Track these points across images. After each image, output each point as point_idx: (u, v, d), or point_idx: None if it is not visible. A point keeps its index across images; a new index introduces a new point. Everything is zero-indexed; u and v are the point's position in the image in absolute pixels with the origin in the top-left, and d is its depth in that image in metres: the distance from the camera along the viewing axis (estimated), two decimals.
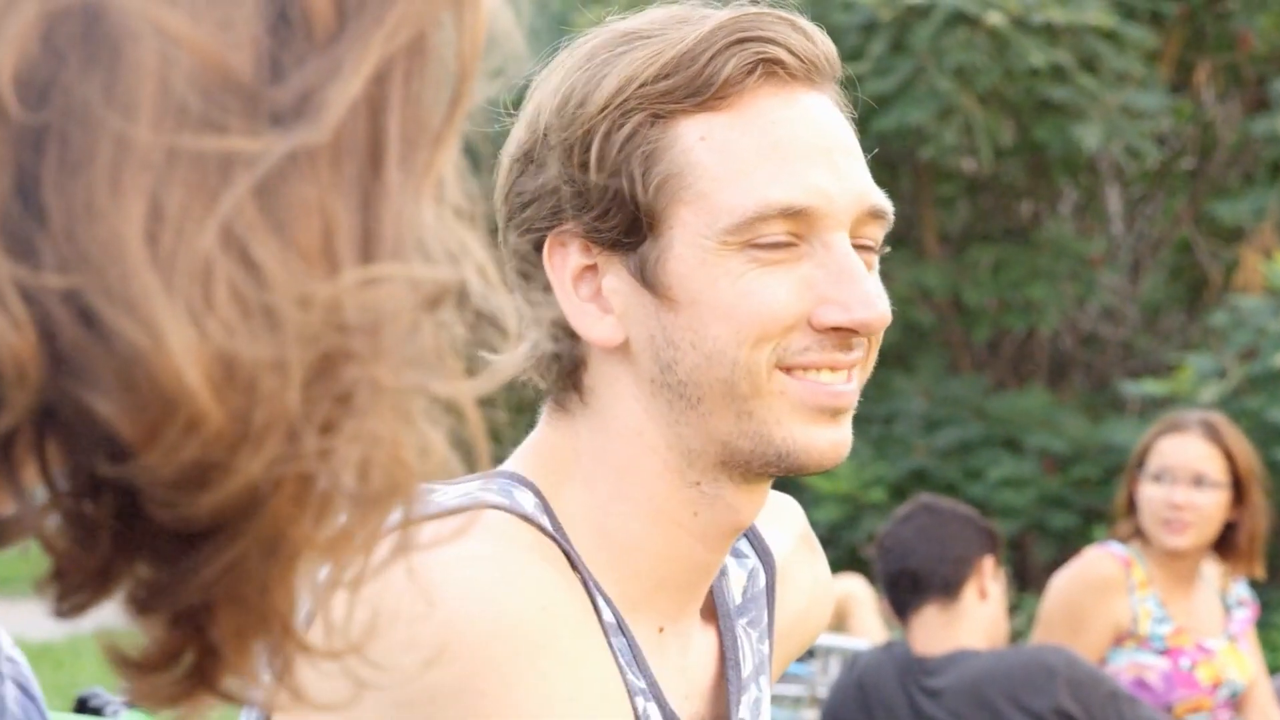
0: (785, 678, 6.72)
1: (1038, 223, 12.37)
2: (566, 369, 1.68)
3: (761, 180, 1.63)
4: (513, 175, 1.69)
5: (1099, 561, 5.14)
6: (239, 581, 0.78)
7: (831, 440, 1.66)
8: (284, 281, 0.75)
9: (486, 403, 0.82)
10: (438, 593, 1.50)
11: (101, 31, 0.74)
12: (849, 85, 1.74)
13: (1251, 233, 11.56)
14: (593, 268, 1.66)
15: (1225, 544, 5.12)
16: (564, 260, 1.67)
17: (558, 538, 1.64)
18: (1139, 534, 5.11)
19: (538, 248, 1.67)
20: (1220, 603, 5.22)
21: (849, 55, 10.00)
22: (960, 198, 12.40)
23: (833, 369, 1.65)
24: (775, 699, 6.65)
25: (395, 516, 0.81)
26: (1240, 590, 5.27)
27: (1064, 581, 5.16)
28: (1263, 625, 8.36)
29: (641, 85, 1.64)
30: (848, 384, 1.66)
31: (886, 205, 1.69)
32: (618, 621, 1.65)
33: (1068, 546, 9.52)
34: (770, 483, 1.70)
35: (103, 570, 0.78)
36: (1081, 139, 10.79)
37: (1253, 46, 11.76)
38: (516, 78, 0.86)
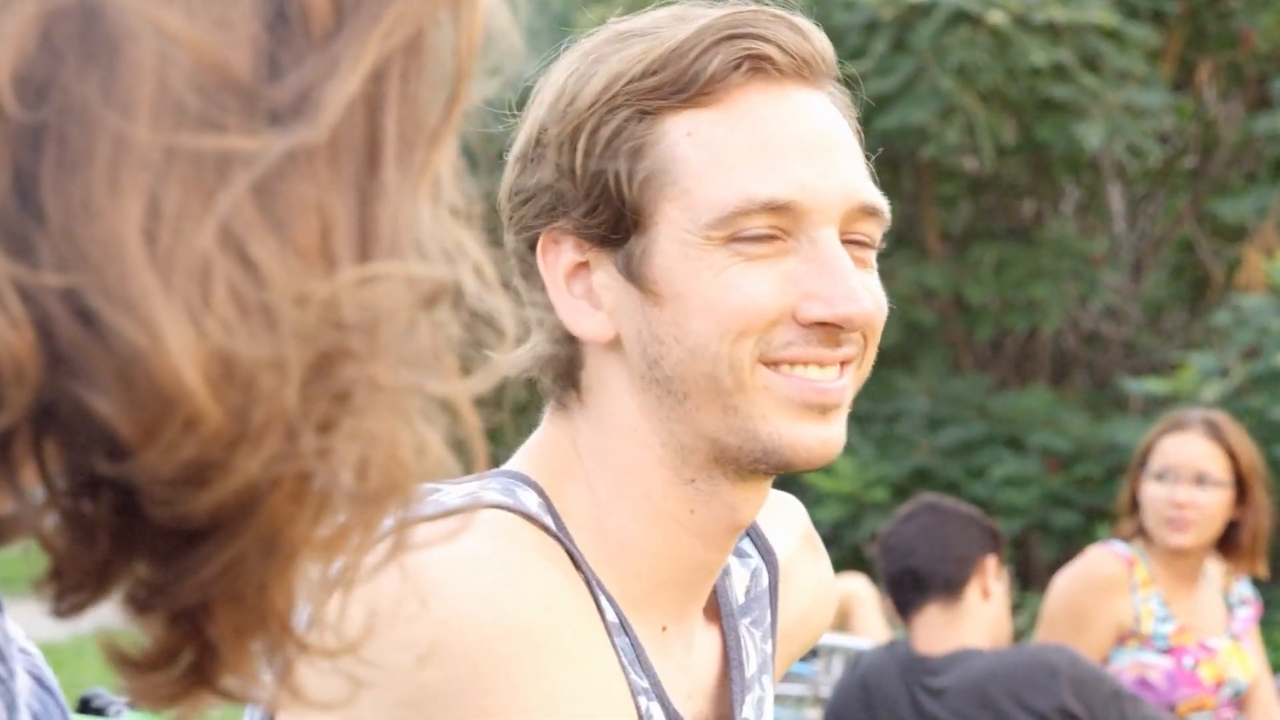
0: (788, 677, 6.72)
1: (1040, 222, 12.37)
2: (565, 367, 1.69)
3: (745, 175, 1.63)
4: (513, 174, 1.70)
5: (1102, 560, 5.14)
6: (237, 580, 0.78)
7: (819, 437, 1.65)
8: (282, 280, 0.75)
9: (484, 402, 0.82)
10: (439, 592, 1.51)
11: (100, 30, 0.74)
12: (850, 84, 1.75)
13: (1253, 231, 11.56)
14: (585, 264, 1.67)
15: (1228, 543, 5.12)
16: (557, 257, 1.67)
17: (561, 537, 1.64)
18: (1142, 533, 5.11)
19: (533, 246, 1.68)
20: (1223, 601, 5.21)
21: (851, 54, 10.00)
22: (962, 197, 12.39)
23: (820, 365, 1.65)
24: (778, 698, 6.65)
25: (395, 516, 0.81)
26: (1243, 589, 5.27)
27: (1067, 580, 5.16)
28: (1266, 624, 8.35)
29: (629, 82, 1.64)
30: (837, 381, 1.66)
31: (880, 202, 1.68)
32: (620, 621, 1.65)
33: (1070, 545, 9.52)
34: (769, 481, 1.70)
35: (101, 569, 0.78)
36: (1083, 138, 10.79)
37: (1255, 45, 11.76)
38: (516, 77, 0.86)
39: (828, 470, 10.75)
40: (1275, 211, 11.31)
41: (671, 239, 1.63)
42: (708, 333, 1.62)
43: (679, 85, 1.64)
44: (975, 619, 4.61)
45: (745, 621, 1.81)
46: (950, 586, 4.58)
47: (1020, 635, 8.03)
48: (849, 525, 10.75)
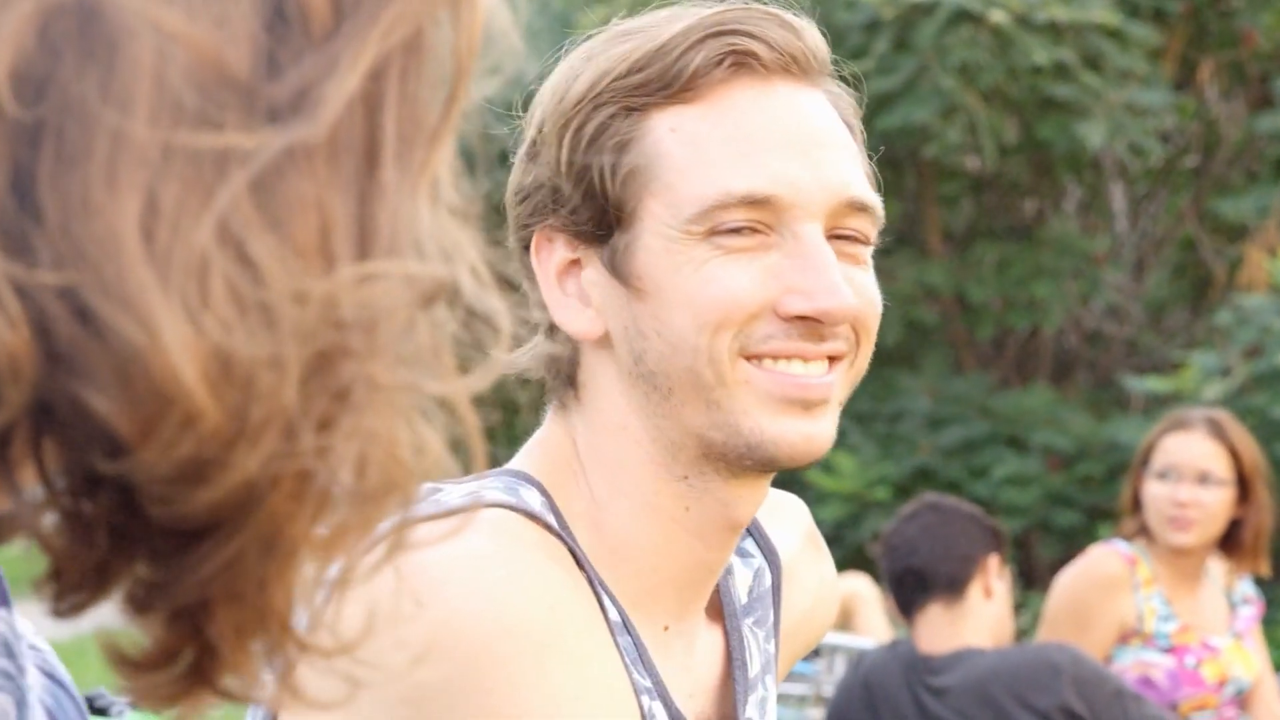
0: (791, 676, 6.72)
1: (1042, 221, 12.37)
2: (563, 366, 1.69)
3: (725, 169, 1.63)
4: (515, 174, 1.70)
5: (1104, 559, 5.14)
6: (237, 579, 0.78)
7: (803, 433, 1.64)
8: (280, 278, 0.75)
9: (483, 402, 0.82)
10: (441, 591, 1.51)
11: (98, 28, 0.74)
12: (851, 83, 1.74)
13: (1255, 230, 11.56)
14: (577, 262, 1.67)
15: (1230, 541, 5.11)
16: (550, 255, 1.68)
17: (563, 535, 1.64)
18: (1144, 532, 5.11)
19: (529, 244, 1.69)
20: (1226, 600, 5.21)
21: (852, 54, 10.00)
22: (964, 196, 12.39)
23: (804, 359, 1.64)
24: (780, 698, 6.65)
25: (396, 516, 0.81)
26: (1245, 588, 5.27)
27: (1069, 579, 5.15)
28: (1268, 622, 8.35)
29: (615, 79, 1.65)
30: (823, 376, 1.65)
31: (870, 198, 1.68)
32: (623, 620, 1.65)
33: (1073, 544, 9.51)
34: (765, 479, 1.69)
35: (101, 569, 0.78)
36: (1085, 137, 10.79)
37: (1256, 44, 11.76)
38: (517, 78, 0.86)
39: (829, 469, 10.76)
40: (1277, 210, 11.31)
41: (654, 234, 1.63)
42: (687, 326, 1.62)
43: (664, 82, 1.65)
44: (978, 618, 4.61)
45: (748, 621, 1.81)
46: (953, 586, 4.58)
47: (1022, 634, 8.03)
48: (851, 524, 10.75)
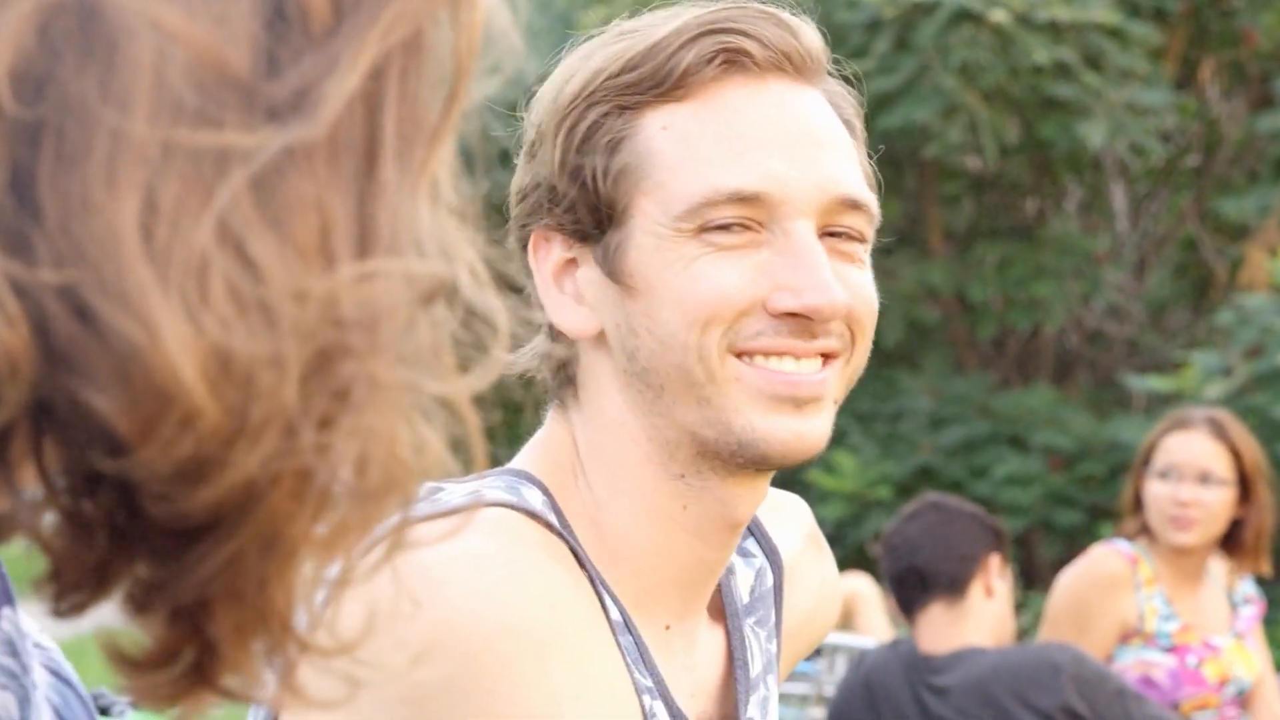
0: (792, 675, 6.71)
1: (1043, 220, 12.37)
2: (562, 365, 1.70)
3: (716, 167, 1.63)
4: (517, 174, 1.71)
5: (1105, 559, 5.14)
6: (237, 578, 0.78)
7: (794, 431, 1.64)
8: (280, 277, 0.75)
9: (483, 401, 0.82)
10: (442, 590, 1.51)
11: (98, 27, 0.74)
12: (851, 83, 1.74)
13: (1256, 230, 11.57)
14: (573, 261, 1.68)
15: (1232, 541, 5.11)
16: (548, 254, 1.68)
17: (565, 535, 1.64)
18: (1145, 531, 5.11)
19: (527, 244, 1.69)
20: (1227, 600, 5.21)
21: (853, 53, 9.99)
22: (965, 195, 12.40)
23: (796, 357, 1.64)
24: (782, 697, 6.64)
25: (397, 515, 0.81)
26: (1247, 587, 5.27)
27: (1070, 579, 5.15)
28: (1270, 622, 8.35)
29: (608, 78, 1.65)
30: (817, 374, 1.65)
31: (863, 195, 1.68)
32: (624, 619, 1.65)
33: (1074, 544, 9.52)
34: (763, 478, 1.69)
35: (101, 569, 0.78)
36: (1086, 136, 10.80)
37: (1257, 43, 11.76)
38: (519, 77, 0.86)
39: (830, 469, 10.76)
40: (1278, 210, 11.31)
41: (645, 231, 1.64)
42: (676, 323, 1.62)
43: (656, 80, 1.65)
44: (979, 618, 4.61)
45: (750, 621, 1.81)
46: (954, 585, 4.58)
47: (1024, 634, 8.02)
48: (852, 524, 10.76)
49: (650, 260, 1.63)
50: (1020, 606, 8.72)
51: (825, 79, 1.71)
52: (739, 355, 1.63)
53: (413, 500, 0.81)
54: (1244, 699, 5.14)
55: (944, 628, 4.60)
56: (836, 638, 6.62)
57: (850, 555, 10.17)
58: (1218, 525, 5.06)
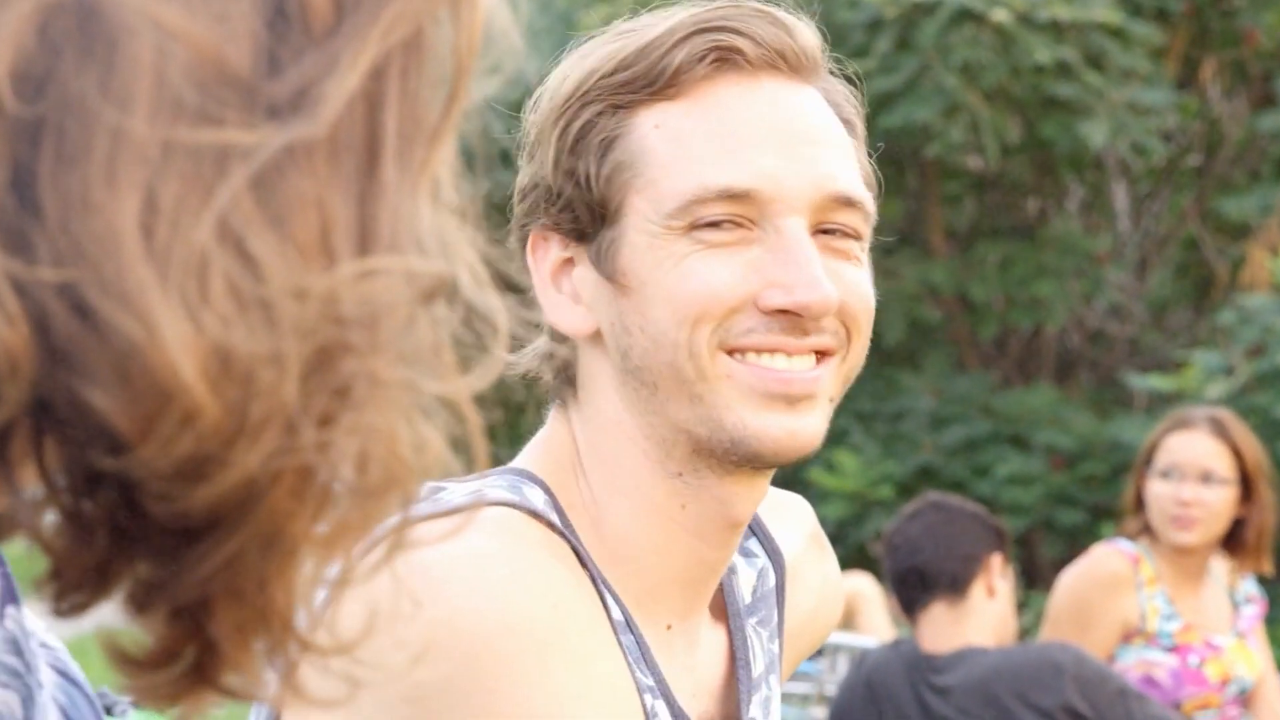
0: (794, 675, 6.71)
1: (1044, 220, 12.37)
2: (562, 364, 1.70)
3: (705, 164, 1.63)
4: (520, 174, 1.71)
5: (1107, 558, 5.14)
6: (237, 577, 0.78)
7: (786, 428, 1.64)
8: (281, 275, 0.75)
9: (484, 400, 0.82)
10: (444, 589, 1.51)
11: (98, 25, 0.74)
12: (852, 82, 1.74)
13: (1258, 229, 11.57)
14: (570, 260, 1.68)
15: (1233, 540, 5.11)
16: (546, 254, 1.69)
17: (566, 534, 1.64)
18: (1147, 531, 5.11)
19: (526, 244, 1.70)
20: (1229, 599, 5.21)
21: (854, 53, 10.00)
22: (967, 195, 12.40)
23: (788, 354, 1.64)
24: (783, 696, 6.65)
25: (398, 515, 0.81)
26: (1249, 587, 5.27)
27: (1072, 579, 5.15)
28: (1271, 621, 8.35)
29: (602, 77, 1.66)
30: (810, 371, 1.65)
31: (857, 192, 1.67)
32: (626, 619, 1.65)
33: (1075, 543, 9.52)
34: (761, 477, 1.68)
35: (101, 568, 0.78)
36: (1088, 136, 10.80)
37: (1259, 43, 11.76)
38: (520, 77, 0.86)
39: (832, 468, 10.76)
40: (1279, 209, 11.31)
41: (638, 230, 1.64)
42: (667, 320, 1.63)
43: (649, 79, 1.65)
44: (980, 617, 4.61)
45: (752, 621, 1.80)
46: (955, 585, 4.58)
47: (1025, 633, 8.02)
48: (854, 523, 10.75)
49: (642, 258, 1.63)
50: (1022, 606, 8.72)
51: (823, 77, 1.71)
52: (730, 353, 1.63)
53: (414, 499, 0.81)
54: (1246, 698, 5.14)
55: (946, 627, 4.60)
56: (838, 637, 6.62)
57: (852, 555, 10.17)
58: (1219, 525, 5.06)
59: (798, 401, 1.64)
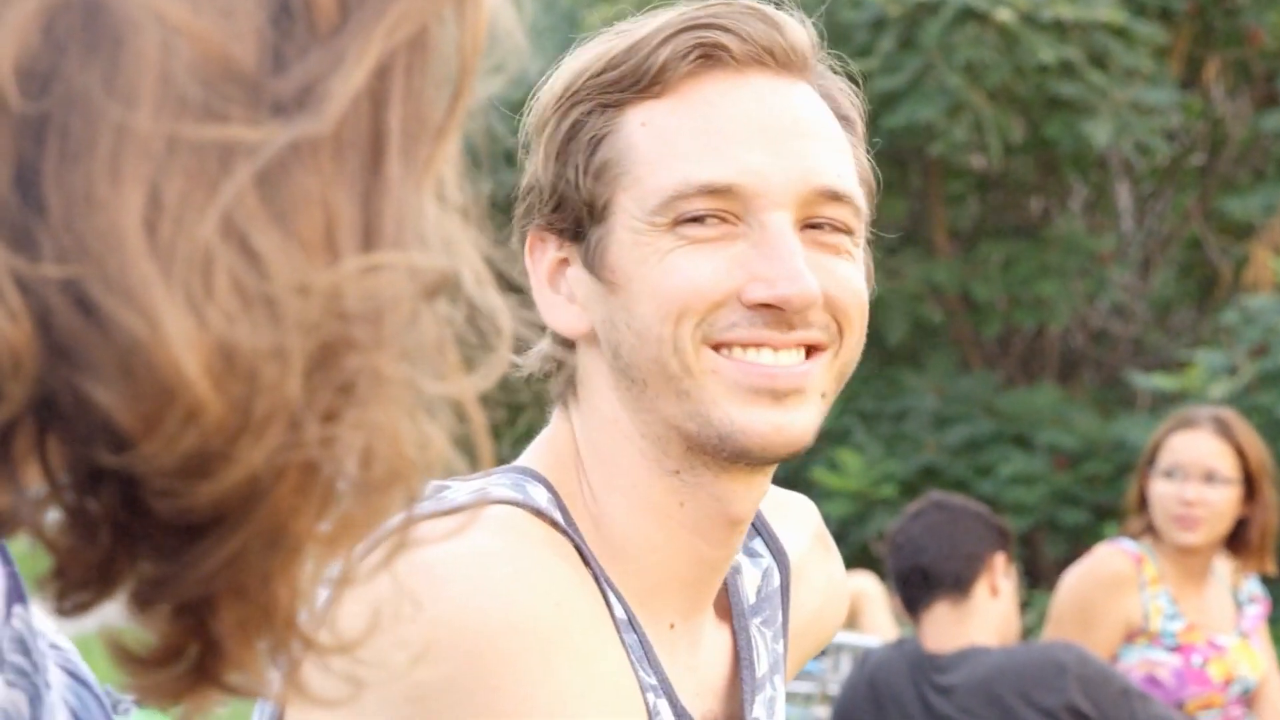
0: (797, 675, 6.72)
1: (1048, 219, 12.37)
2: (563, 364, 1.70)
3: (689, 160, 1.64)
4: (522, 174, 1.72)
5: (1110, 558, 5.14)
6: (241, 574, 0.78)
7: (773, 423, 1.63)
8: (284, 271, 0.75)
9: (488, 399, 0.82)
10: (447, 587, 1.51)
11: (102, 21, 0.74)
12: (854, 82, 1.74)
13: (1261, 229, 11.57)
14: (566, 260, 1.68)
15: (1237, 540, 5.11)
16: (542, 255, 1.69)
17: (570, 532, 1.64)
18: (1150, 530, 5.11)
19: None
20: (1232, 599, 5.21)
21: (858, 52, 10.01)
22: (970, 194, 12.40)
23: (774, 349, 1.64)
24: (787, 696, 6.65)
25: (401, 511, 0.81)
26: (1252, 586, 5.27)
27: (1075, 578, 5.15)
28: (1275, 621, 8.35)
29: (590, 77, 1.67)
30: (798, 366, 1.65)
31: (845, 186, 1.67)
32: (629, 617, 1.65)
33: (1079, 543, 9.52)
34: (760, 474, 1.68)
35: (104, 566, 0.78)
36: (1091, 135, 10.80)
37: (1262, 42, 11.76)
38: (521, 76, 0.86)
39: (835, 467, 10.76)
40: None
41: (624, 227, 1.64)
42: (651, 315, 1.63)
43: (635, 77, 1.66)
44: (984, 617, 4.61)
45: (756, 621, 1.80)
46: (959, 584, 4.58)
47: (1029, 633, 8.03)
48: (857, 522, 10.76)
49: (629, 255, 1.64)
50: (1025, 605, 8.72)
51: (816, 73, 1.71)
52: (716, 348, 1.63)
53: (417, 495, 0.81)
54: (1249, 698, 5.14)
55: (949, 627, 4.59)
56: (841, 636, 6.62)
57: (854, 554, 10.18)
58: (1223, 524, 5.06)
59: (785, 396, 1.63)
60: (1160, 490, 5.07)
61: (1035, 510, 10.89)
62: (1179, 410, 5.67)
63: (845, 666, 6.83)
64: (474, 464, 0.83)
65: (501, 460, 1.66)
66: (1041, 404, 11.26)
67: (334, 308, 0.76)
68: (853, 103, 1.73)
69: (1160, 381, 10.30)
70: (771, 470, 1.69)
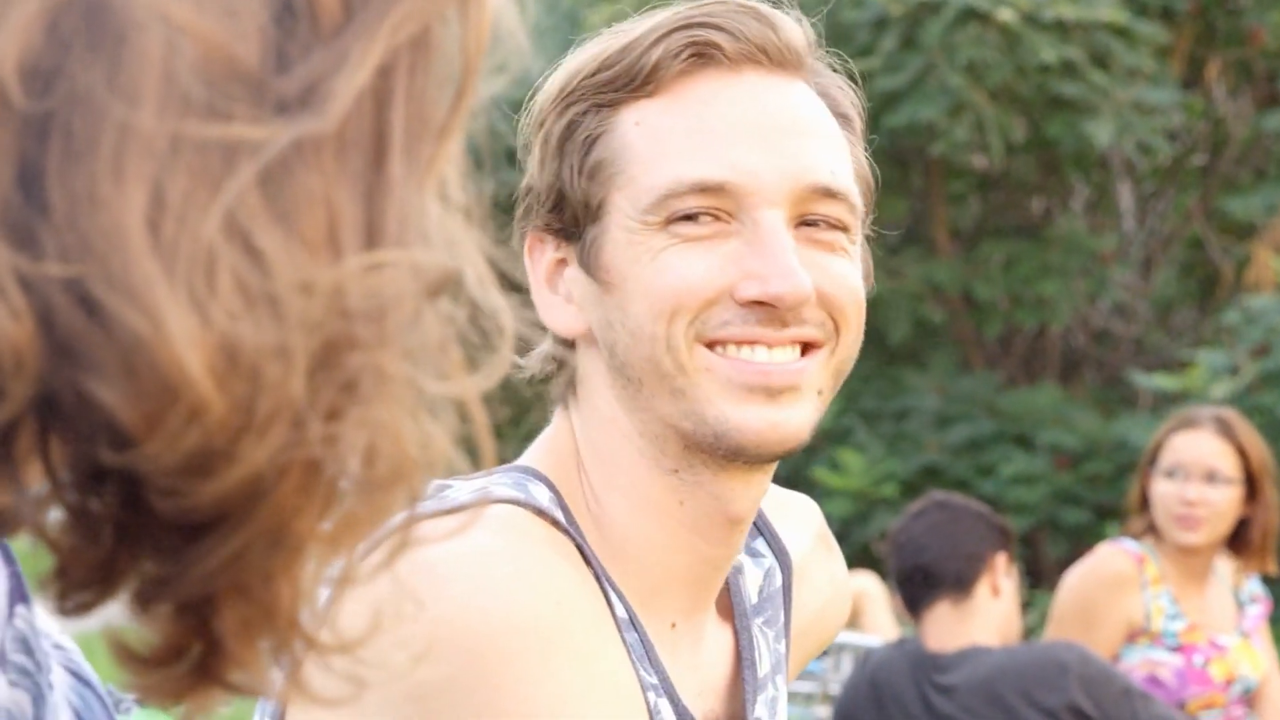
0: (798, 674, 6.71)
1: (1049, 219, 12.36)
2: (564, 365, 1.70)
3: (682, 159, 1.64)
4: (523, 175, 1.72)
5: (1112, 558, 5.14)
6: (243, 573, 0.78)
7: (768, 420, 1.63)
8: (287, 269, 0.75)
9: (490, 399, 0.82)
10: (448, 587, 1.51)
11: (106, 20, 0.74)
12: (855, 81, 1.74)
13: (1263, 229, 11.57)
14: (564, 261, 1.68)
15: (1238, 540, 5.11)
16: (541, 256, 1.70)
17: (571, 531, 1.64)
18: (1152, 530, 5.11)
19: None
20: (1233, 599, 5.21)
21: (859, 51, 10.01)
22: (971, 194, 12.39)
23: (768, 346, 1.64)
24: (788, 696, 6.64)
25: (403, 510, 0.81)
26: (1253, 586, 5.27)
27: (1077, 578, 5.15)
28: (1276, 621, 8.35)
29: (585, 77, 1.67)
30: (793, 363, 1.64)
31: (838, 184, 1.67)
32: (630, 616, 1.65)
33: (1080, 543, 9.52)
34: (760, 473, 1.68)
35: (106, 565, 0.78)
36: (1093, 135, 10.80)
37: (1264, 42, 11.76)
38: (523, 75, 0.86)
39: (836, 467, 10.76)
40: None
41: (618, 226, 1.64)
42: (643, 314, 1.63)
43: (629, 77, 1.66)
44: (985, 616, 4.61)
45: (758, 621, 1.80)
46: (960, 584, 4.58)
47: (1030, 633, 8.02)
48: (858, 522, 10.76)
49: (623, 254, 1.64)
50: (1026, 605, 8.72)
51: (813, 71, 1.71)
52: (710, 346, 1.63)
53: (420, 494, 0.81)
54: (1250, 698, 5.14)
55: (950, 626, 4.59)
56: (842, 636, 6.62)
57: (856, 554, 10.18)
58: (1224, 524, 5.06)
59: (779, 394, 1.63)
60: (1162, 490, 5.07)
61: (1037, 510, 10.89)
62: (1180, 410, 5.67)
63: (847, 666, 6.83)
64: (476, 463, 0.83)
65: (505, 461, 1.66)
66: (1043, 404, 11.26)
67: (337, 306, 0.76)
68: (851, 100, 1.73)
69: (1162, 381, 10.30)
70: (771, 469, 1.69)
